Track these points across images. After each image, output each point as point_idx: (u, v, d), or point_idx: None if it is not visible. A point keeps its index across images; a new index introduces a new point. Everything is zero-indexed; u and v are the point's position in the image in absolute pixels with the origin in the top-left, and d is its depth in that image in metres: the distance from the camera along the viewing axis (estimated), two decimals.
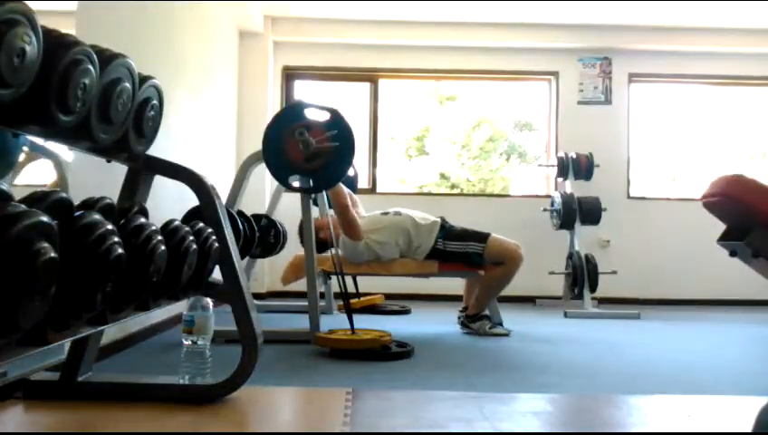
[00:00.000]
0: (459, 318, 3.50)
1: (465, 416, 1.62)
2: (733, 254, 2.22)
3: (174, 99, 3.02)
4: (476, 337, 3.04)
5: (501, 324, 3.22)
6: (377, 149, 5.23)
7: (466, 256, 3.11)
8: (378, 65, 5.18)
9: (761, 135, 5.54)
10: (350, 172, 3.71)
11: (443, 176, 7.23)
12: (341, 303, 3.76)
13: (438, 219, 3.24)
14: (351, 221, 3.08)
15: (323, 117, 2.59)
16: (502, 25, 4.99)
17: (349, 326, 2.59)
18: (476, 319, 3.08)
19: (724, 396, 1.95)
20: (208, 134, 3.93)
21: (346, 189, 3.13)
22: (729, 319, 4.16)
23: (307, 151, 2.50)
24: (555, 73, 5.21)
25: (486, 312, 3.14)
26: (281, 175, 2.63)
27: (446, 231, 3.18)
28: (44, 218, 0.91)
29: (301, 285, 3.05)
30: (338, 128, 2.54)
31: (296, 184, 2.67)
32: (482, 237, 3.13)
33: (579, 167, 4.62)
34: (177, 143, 3.10)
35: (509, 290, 3.38)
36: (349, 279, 2.94)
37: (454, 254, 3.13)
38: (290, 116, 2.59)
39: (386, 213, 3.31)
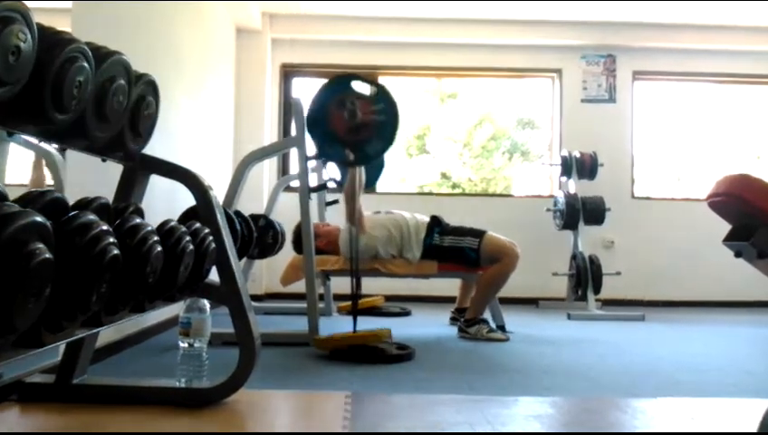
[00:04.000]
0: (451, 320, 3.47)
1: (468, 420, 1.60)
2: (738, 254, 2.19)
3: (170, 97, 3.00)
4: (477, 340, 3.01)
5: (503, 327, 3.19)
6: None
7: (461, 250, 3.09)
8: (377, 63, 5.15)
9: (767, 134, 5.51)
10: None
11: (444, 175, 7.21)
12: (341, 304, 3.76)
13: (428, 218, 3.25)
14: (358, 210, 3.04)
15: (371, 91, 2.58)
16: (504, 22, 4.96)
17: (347, 329, 2.56)
18: (473, 323, 3.05)
19: (729, 398, 1.93)
20: (205, 133, 3.90)
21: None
22: (735, 321, 4.13)
23: (352, 122, 2.49)
24: (558, 71, 5.17)
25: (484, 316, 3.11)
26: (321, 143, 2.60)
27: (443, 227, 3.20)
28: (39, 218, 0.91)
29: (299, 286, 3.02)
30: (384, 102, 2.53)
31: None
32: (477, 233, 3.12)
33: (583, 166, 4.59)
34: (173, 142, 3.08)
35: (511, 291, 3.36)
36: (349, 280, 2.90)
37: (450, 249, 3.11)
38: (339, 86, 2.57)
39: (377, 212, 3.33)
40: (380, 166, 3.74)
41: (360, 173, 2.96)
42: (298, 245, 3.31)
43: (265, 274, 4.68)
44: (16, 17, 0.94)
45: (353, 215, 2.97)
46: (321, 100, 2.54)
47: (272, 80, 5.05)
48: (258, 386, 1.77)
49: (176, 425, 1.51)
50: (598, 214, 4.41)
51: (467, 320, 3.08)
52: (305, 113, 2.60)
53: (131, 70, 1.36)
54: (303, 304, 2.80)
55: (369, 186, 3.88)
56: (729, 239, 2.21)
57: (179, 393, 1.70)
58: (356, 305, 2.58)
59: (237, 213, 2.62)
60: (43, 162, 1.94)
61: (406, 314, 4.02)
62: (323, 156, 2.62)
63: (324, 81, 2.62)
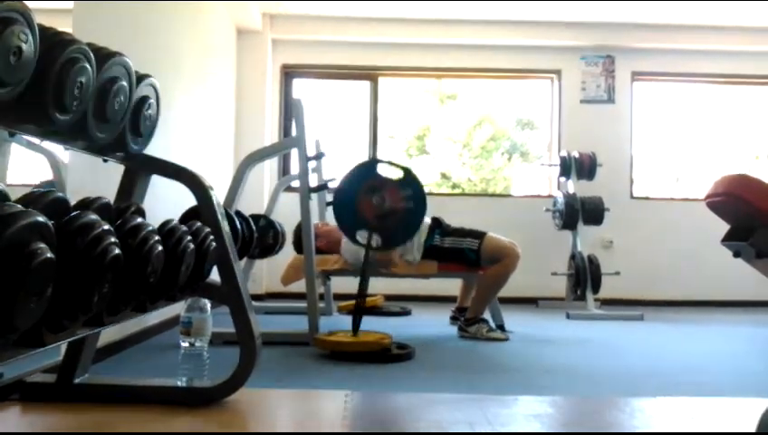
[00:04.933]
0: (452, 319, 3.47)
1: (468, 419, 1.60)
2: (736, 254, 2.19)
3: (171, 97, 3.00)
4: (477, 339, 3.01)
5: (503, 326, 3.20)
6: (377, 148, 5.20)
7: (461, 251, 3.09)
8: (378, 63, 5.15)
9: (765, 135, 5.51)
10: None
11: (444, 175, 7.20)
12: (341, 304, 3.76)
13: (429, 220, 3.24)
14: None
15: (397, 175, 2.65)
16: (504, 23, 4.96)
17: (348, 327, 2.56)
18: (473, 323, 3.05)
19: (728, 398, 1.93)
20: (206, 133, 3.91)
21: None
22: (733, 320, 4.13)
23: (381, 210, 2.57)
24: (558, 72, 5.17)
25: (484, 316, 3.11)
26: (350, 230, 2.69)
27: (443, 228, 3.19)
28: (41, 219, 0.91)
29: (300, 286, 3.03)
30: (411, 188, 2.61)
31: (363, 240, 2.67)
32: (478, 234, 3.12)
33: (582, 166, 4.59)
34: (174, 142, 3.08)
35: (511, 291, 3.35)
36: (351, 281, 2.90)
37: (450, 250, 3.12)
38: (365, 172, 2.66)
39: None
40: None
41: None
42: (299, 245, 3.31)
43: (266, 273, 4.68)
44: (17, 18, 0.94)
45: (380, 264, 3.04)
46: (350, 187, 2.62)
47: (272, 80, 5.05)
48: (259, 385, 1.77)
49: (177, 424, 1.51)
50: (597, 214, 4.41)
51: (467, 319, 3.09)
52: (334, 200, 2.68)
53: (132, 71, 1.37)
54: (304, 304, 2.80)
55: None
56: (728, 239, 2.22)
57: (180, 392, 1.70)
58: (360, 309, 2.59)
59: (238, 213, 2.62)
60: None
61: (406, 313, 4.02)
62: (351, 240, 2.73)
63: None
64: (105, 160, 1.49)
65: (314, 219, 3.45)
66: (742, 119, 5.56)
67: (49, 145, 1.82)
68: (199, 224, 1.61)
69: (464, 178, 7.29)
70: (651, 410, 1.79)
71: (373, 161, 2.69)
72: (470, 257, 3.09)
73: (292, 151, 3.91)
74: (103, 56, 1.26)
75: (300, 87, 5.26)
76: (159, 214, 1.60)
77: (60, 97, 1.10)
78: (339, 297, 3.87)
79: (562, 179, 4.72)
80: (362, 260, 3.11)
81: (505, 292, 3.20)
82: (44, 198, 1.16)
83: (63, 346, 1.69)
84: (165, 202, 2.30)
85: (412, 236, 2.76)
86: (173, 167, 1.66)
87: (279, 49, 5.08)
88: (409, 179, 2.62)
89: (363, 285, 2.59)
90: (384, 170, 2.68)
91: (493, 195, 6.47)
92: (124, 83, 1.32)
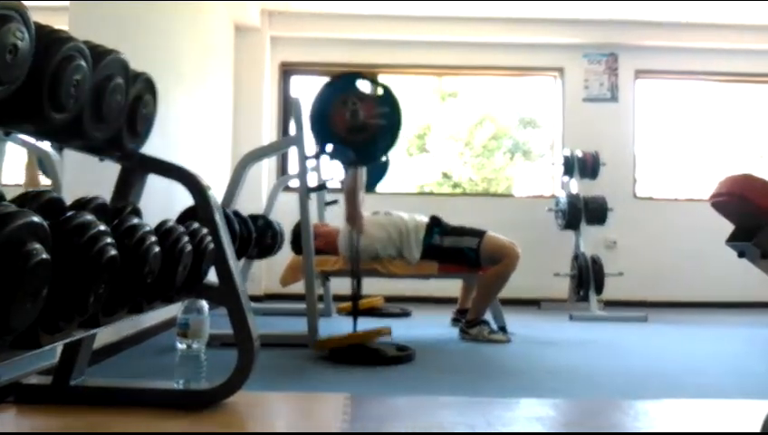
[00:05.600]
0: (453, 321, 3.45)
1: (469, 421, 1.59)
2: (741, 255, 2.17)
3: (168, 96, 2.97)
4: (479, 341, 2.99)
5: (504, 328, 3.17)
6: None
7: (460, 251, 3.07)
8: (377, 61, 5.12)
9: None
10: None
11: (445, 175, 7.19)
12: (341, 305, 3.74)
13: (427, 219, 3.20)
14: (356, 207, 2.97)
15: (377, 92, 2.56)
16: (505, 20, 4.94)
17: (347, 330, 2.54)
18: (474, 324, 3.03)
19: (732, 400, 1.92)
20: (204, 132, 3.89)
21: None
22: (737, 321, 4.11)
23: (354, 123, 2.46)
24: (560, 69, 5.15)
25: (485, 317, 3.09)
26: (320, 140, 2.57)
27: (442, 227, 3.17)
28: (36, 219, 0.90)
29: (299, 287, 3.00)
30: (389, 106, 2.51)
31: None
32: (478, 233, 3.10)
33: (585, 165, 4.56)
34: (171, 141, 3.06)
35: (512, 292, 3.34)
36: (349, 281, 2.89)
37: (449, 249, 3.09)
38: (344, 84, 2.55)
39: (376, 213, 3.27)
40: (384, 167, 3.71)
41: (362, 173, 2.92)
42: (296, 245, 3.29)
43: (264, 274, 4.66)
44: (13, 15, 0.93)
45: (353, 214, 2.93)
46: (325, 97, 2.51)
47: (271, 78, 5.03)
48: (257, 388, 1.76)
49: (174, 426, 1.49)
50: (600, 214, 4.38)
51: (468, 321, 3.07)
52: (308, 109, 2.58)
53: (129, 68, 1.35)
54: (303, 305, 2.78)
55: (372, 187, 3.84)
56: (732, 239, 2.19)
57: (178, 395, 1.69)
58: (356, 306, 2.56)
59: (236, 213, 2.61)
60: (35, 163, 1.93)
61: (406, 314, 4.00)
62: (323, 153, 2.60)
63: (327, 78, 2.60)
64: (101, 159, 1.48)
65: (313, 219, 3.43)
66: (746, 117, 5.54)
67: (44, 144, 1.80)
68: (197, 224, 1.59)
69: (465, 178, 7.27)
70: (654, 412, 1.77)
71: (353, 75, 2.58)
72: (470, 257, 3.07)
73: (290, 150, 3.89)
74: (99, 54, 1.24)
75: (298, 85, 5.24)
76: (156, 214, 1.58)
77: (56, 95, 1.09)
78: (338, 298, 3.85)
79: (565, 179, 4.70)
80: (361, 257, 3.09)
81: (507, 293, 3.18)
82: (40, 197, 1.15)
83: (59, 348, 1.67)
84: (162, 202, 2.28)
85: (385, 154, 2.66)
86: (170, 166, 1.65)
87: (278, 46, 5.06)
88: (387, 97, 2.53)
89: (355, 273, 2.54)
90: (364, 86, 2.58)
91: (494, 195, 6.46)
92: (120, 81, 1.30)
